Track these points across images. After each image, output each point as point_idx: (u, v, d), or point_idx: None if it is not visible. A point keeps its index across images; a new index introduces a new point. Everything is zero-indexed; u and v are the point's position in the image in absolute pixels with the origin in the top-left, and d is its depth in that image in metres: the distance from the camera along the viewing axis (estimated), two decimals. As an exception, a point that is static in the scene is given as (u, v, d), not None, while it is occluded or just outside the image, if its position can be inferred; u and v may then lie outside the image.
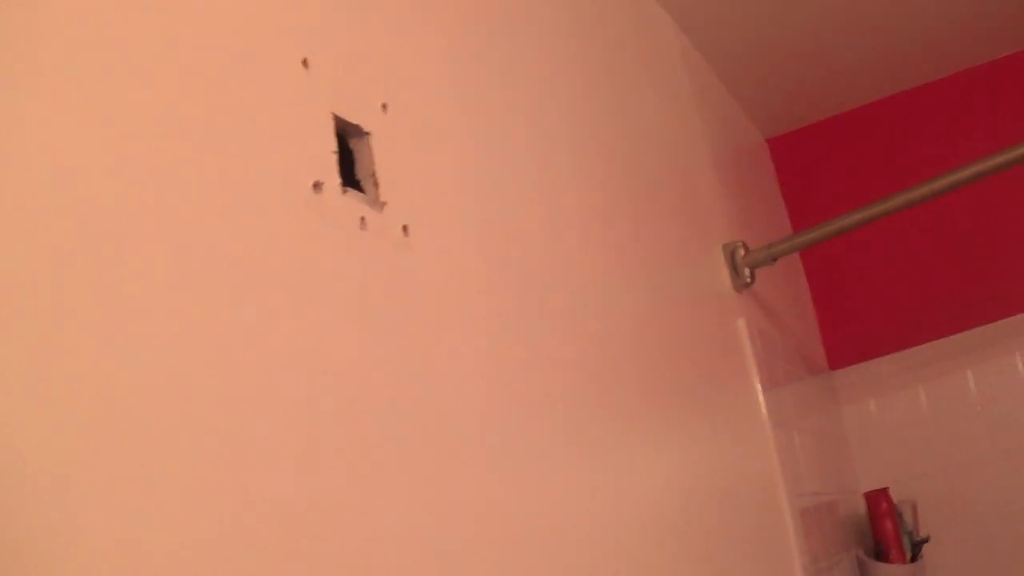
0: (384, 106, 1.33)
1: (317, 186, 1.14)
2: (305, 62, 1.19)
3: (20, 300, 0.75)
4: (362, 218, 1.21)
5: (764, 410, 2.68)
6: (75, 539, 0.73)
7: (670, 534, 1.87)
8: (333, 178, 1.18)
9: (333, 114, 1.22)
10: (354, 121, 1.26)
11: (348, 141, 1.27)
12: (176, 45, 1.00)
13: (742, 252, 2.88)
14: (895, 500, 3.50)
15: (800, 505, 2.72)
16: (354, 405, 1.10)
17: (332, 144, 1.20)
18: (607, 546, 1.59)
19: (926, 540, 3.54)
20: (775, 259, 2.87)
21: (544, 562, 1.40)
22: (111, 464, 0.78)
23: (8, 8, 0.83)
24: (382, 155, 1.29)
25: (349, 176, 1.24)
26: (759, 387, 2.71)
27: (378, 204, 1.26)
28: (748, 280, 2.87)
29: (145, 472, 0.81)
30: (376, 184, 1.26)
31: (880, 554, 3.39)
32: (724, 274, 2.83)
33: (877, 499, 3.45)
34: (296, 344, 1.04)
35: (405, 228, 1.30)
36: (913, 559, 3.45)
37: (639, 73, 2.64)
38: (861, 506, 3.57)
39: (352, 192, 1.22)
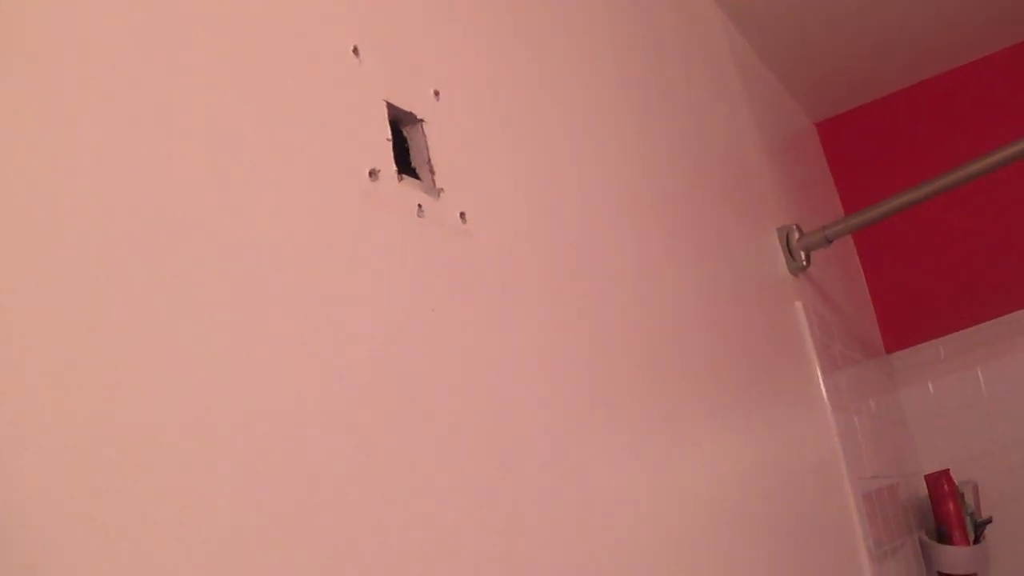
0: (436, 93, 1.33)
1: (373, 174, 1.14)
2: (355, 50, 1.19)
3: (83, 290, 0.77)
4: (419, 205, 1.21)
5: (824, 394, 2.67)
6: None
7: (733, 520, 1.85)
8: (389, 166, 1.18)
9: (386, 102, 1.22)
10: (407, 108, 1.26)
11: (402, 129, 1.27)
12: (227, 37, 1.00)
13: (796, 235, 2.86)
14: (956, 481, 3.47)
15: (863, 488, 2.70)
16: (411, 394, 1.09)
17: (386, 132, 1.20)
18: (670, 533, 1.59)
19: (989, 521, 3.50)
20: (830, 241, 2.85)
21: (607, 549, 1.40)
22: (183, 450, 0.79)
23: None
24: (436, 142, 1.29)
25: (404, 164, 1.24)
26: (819, 371, 2.69)
27: (435, 191, 1.25)
28: (804, 263, 2.85)
29: (212, 456, 0.83)
30: (432, 171, 1.26)
31: (943, 536, 3.37)
32: (779, 258, 2.81)
33: (938, 481, 3.42)
34: (354, 333, 1.03)
35: (463, 215, 1.29)
36: (976, 540, 3.42)
37: (687, 61, 2.63)
38: (922, 488, 3.54)
39: (408, 179, 1.22)
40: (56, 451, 0.68)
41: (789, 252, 2.84)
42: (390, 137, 1.20)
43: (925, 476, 3.50)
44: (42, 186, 0.75)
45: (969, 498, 3.53)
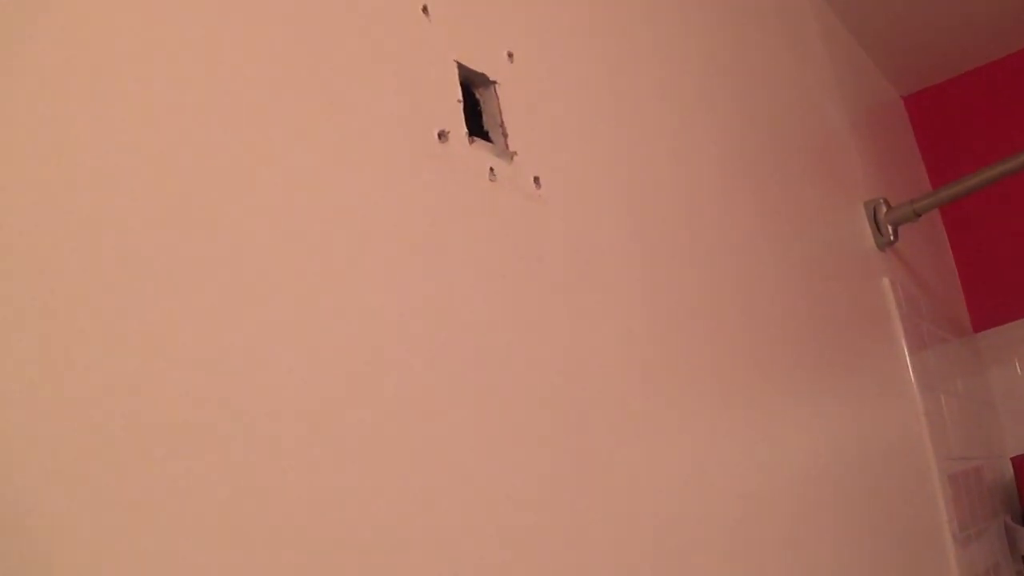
0: (510, 55, 1.30)
1: (442, 135, 1.12)
2: (425, 9, 1.17)
3: (161, 243, 0.77)
4: (491, 169, 1.19)
5: (911, 372, 2.61)
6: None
7: (819, 497, 1.82)
8: (459, 127, 1.16)
9: (457, 62, 1.19)
10: (479, 70, 1.23)
11: (474, 91, 1.24)
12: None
13: (884, 209, 2.80)
14: (1044, 464, 3.41)
15: (948, 470, 2.64)
16: (484, 364, 1.07)
17: (457, 93, 1.18)
18: (757, 510, 1.56)
19: (1077, 506, 3.44)
20: (918, 215, 2.79)
21: (694, 526, 1.37)
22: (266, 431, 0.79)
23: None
24: (510, 105, 1.26)
25: (476, 126, 1.21)
26: (906, 349, 2.63)
27: (507, 154, 1.22)
28: (891, 238, 2.79)
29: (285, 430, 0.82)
30: (504, 134, 1.23)
31: (1030, 520, 3.31)
32: (867, 232, 2.75)
33: (1025, 464, 3.37)
34: (423, 299, 1.02)
35: (536, 180, 1.26)
36: (1064, 525, 3.36)
37: (773, 32, 2.59)
38: (1008, 471, 3.48)
39: (480, 142, 1.19)
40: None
41: (876, 226, 2.78)
42: (461, 99, 1.17)
43: (1011, 458, 3.44)
44: (94, 139, 0.74)
45: (1057, 483, 3.47)
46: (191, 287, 0.76)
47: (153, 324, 0.72)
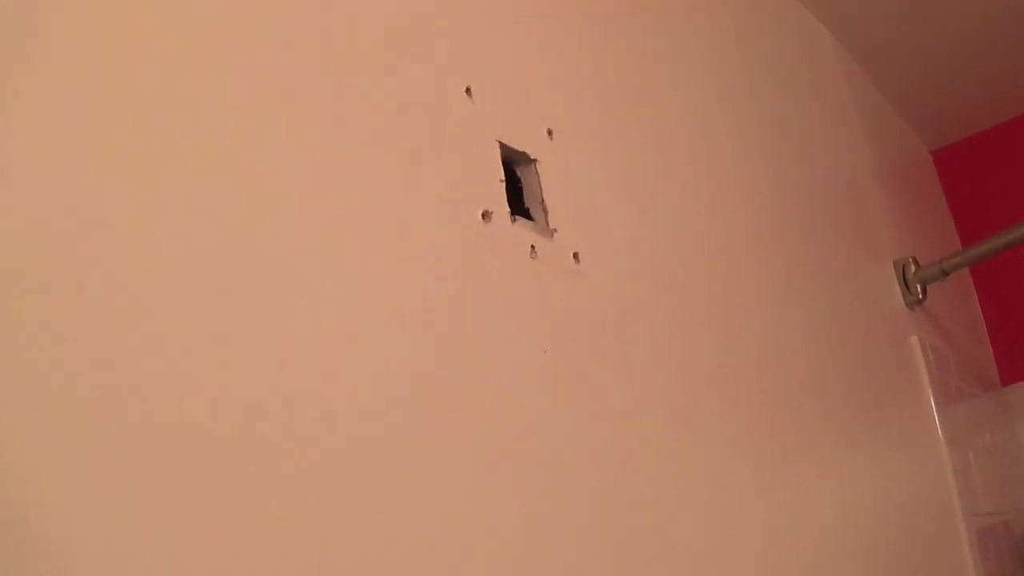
0: (550, 132, 1.33)
1: (486, 215, 1.15)
2: (468, 90, 1.20)
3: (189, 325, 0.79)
4: (532, 246, 1.22)
5: (939, 428, 2.62)
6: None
7: (845, 556, 1.84)
8: (502, 207, 1.19)
9: (499, 142, 1.23)
10: (520, 148, 1.26)
11: (515, 168, 1.27)
12: (344, 78, 1.01)
13: (913, 268, 2.82)
14: (1072, 519, 3.41)
15: (976, 525, 2.65)
16: (526, 434, 1.10)
17: (499, 172, 1.21)
18: (781, 570, 1.57)
19: (1105, 560, 3.44)
20: (947, 274, 2.81)
21: None
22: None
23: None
24: (550, 182, 1.30)
25: (518, 204, 1.25)
26: (933, 405, 2.65)
27: (548, 231, 1.26)
28: (920, 296, 2.81)
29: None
30: (545, 211, 1.26)
31: (1057, 575, 3.31)
32: (895, 291, 2.77)
33: (1053, 517, 3.37)
34: (468, 374, 1.05)
35: (576, 255, 1.30)
36: (1092, 579, 3.36)
37: (803, 90, 2.62)
38: (1037, 525, 3.48)
39: (521, 220, 1.22)
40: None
41: (905, 285, 2.80)
42: (503, 178, 1.20)
43: (1040, 512, 3.44)
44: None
45: (1085, 535, 3.47)
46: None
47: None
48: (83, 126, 0.74)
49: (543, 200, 1.26)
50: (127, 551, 0.68)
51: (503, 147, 1.23)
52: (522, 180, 1.27)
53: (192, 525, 0.72)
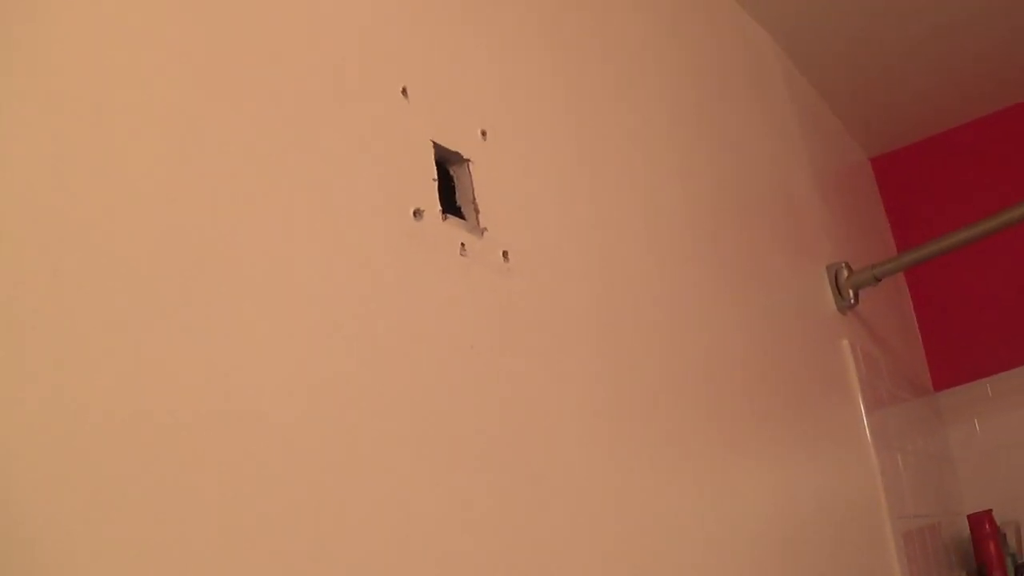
0: (484, 133, 1.35)
1: (418, 213, 1.17)
2: (404, 91, 1.21)
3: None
4: (462, 244, 1.23)
5: (868, 432, 2.66)
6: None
7: (773, 554, 1.87)
8: (433, 205, 1.20)
9: (433, 142, 1.24)
10: (454, 148, 1.28)
11: (448, 168, 1.29)
12: (277, 75, 1.02)
13: (846, 273, 2.86)
14: (999, 522, 3.45)
15: (903, 528, 2.69)
16: (455, 430, 1.12)
17: (432, 171, 1.22)
18: (710, 566, 1.60)
19: (1030, 563, 3.49)
20: (879, 279, 2.85)
21: (648, 573, 1.41)
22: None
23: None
24: (482, 182, 1.31)
25: (450, 203, 1.26)
26: (863, 408, 2.69)
27: (478, 230, 1.27)
28: (852, 301, 2.85)
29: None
30: (476, 211, 1.28)
31: (983, 576, 3.36)
32: (828, 295, 2.81)
33: (980, 521, 3.41)
34: (398, 369, 1.06)
35: (505, 254, 1.31)
36: (1017, 582, 3.41)
37: (742, 93, 2.64)
38: (964, 528, 3.52)
39: (452, 219, 1.24)
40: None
41: (838, 290, 2.84)
42: (436, 177, 1.22)
43: (968, 516, 3.48)
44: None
45: (1011, 539, 3.52)
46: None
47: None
48: None
49: (475, 200, 1.28)
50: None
51: (437, 147, 1.24)
52: (455, 180, 1.28)
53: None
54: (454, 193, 1.28)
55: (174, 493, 0.76)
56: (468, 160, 1.29)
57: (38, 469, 0.66)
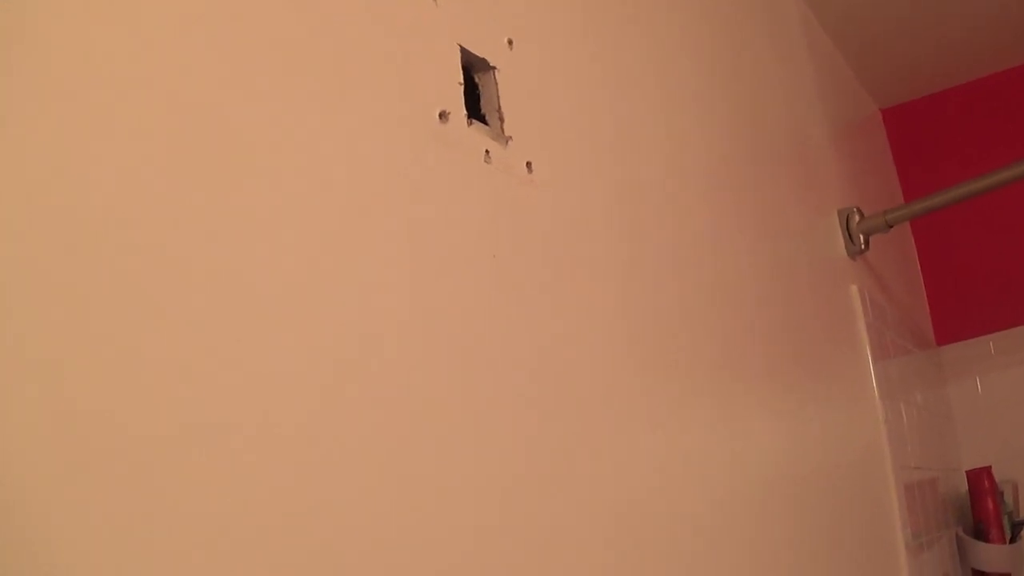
0: (510, 42, 1.33)
1: (443, 116, 1.15)
2: (433, -7, 1.19)
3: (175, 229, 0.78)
4: (487, 151, 1.21)
5: (874, 380, 2.65)
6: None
7: (779, 496, 1.86)
8: (459, 109, 1.19)
9: (460, 46, 1.22)
10: (480, 55, 1.26)
11: (474, 75, 1.27)
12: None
13: (857, 218, 2.84)
14: (997, 480, 3.44)
15: (904, 478, 2.68)
16: (474, 343, 1.10)
17: (458, 76, 1.20)
18: (719, 506, 1.59)
19: (1027, 521, 3.49)
20: (890, 226, 2.83)
21: (656, 518, 1.41)
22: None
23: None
24: (507, 90, 1.29)
25: (474, 109, 1.24)
26: (870, 356, 2.68)
27: (503, 138, 1.25)
28: (862, 247, 2.83)
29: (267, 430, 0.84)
30: (501, 119, 1.26)
31: (979, 533, 3.35)
32: (838, 239, 2.79)
33: (979, 477, 3.40)
34: (416, 277, 1.04)
35: (529, 164, 1.30)
36: (1012, 540, 3.40)
37: (760, 39, 2.62)
38: (962, 484, 3.52)
39: (477, 124, 1.22)
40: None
41: (848, 235, 2.82)
42: (462, 81, 1.20)
43: (966, 472, 3.48)
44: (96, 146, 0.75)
45: (1008, 497, 3.52)
46: (188, 284, 0.78)
47: (151, 327, 0.74)
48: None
49: (500, 108, 1.26)
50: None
51: (464, 52, 1.22)
52: (480, 87, 1.27)
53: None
54: (479, 101, 1.26)
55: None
56: (494, 68, 1.27)
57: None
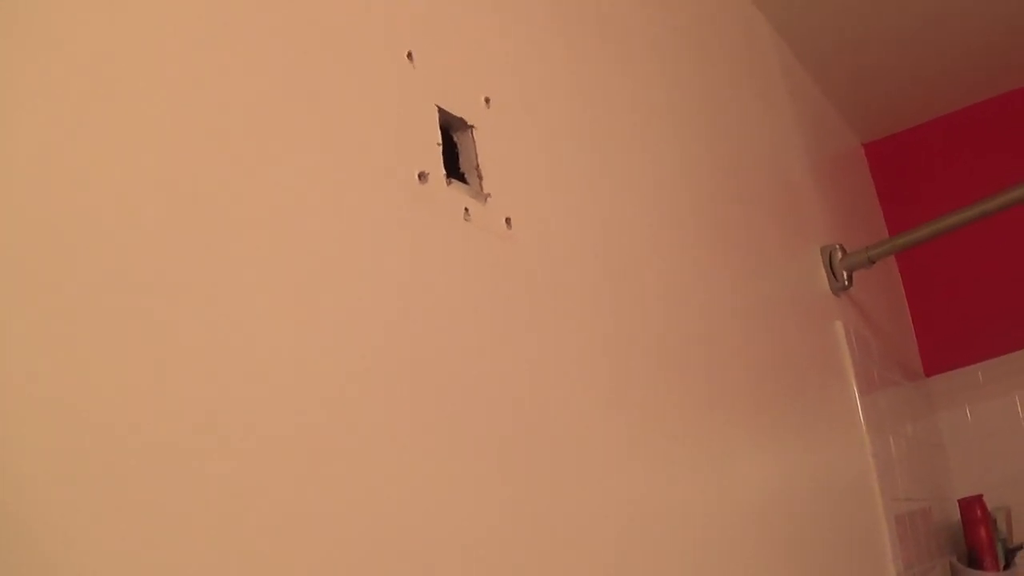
0: (487, 100, 1.35)
1: (422, 177, 1.17)
2: (410, 55, 1.22)
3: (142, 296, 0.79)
4: (466, 209, 1.24)
5: (861, 414, 2.67)
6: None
7: (768, 534, 1.87)
8: (438, 169, 1.21)
9: (437, 106, 1.24)
10: (458, 114, 1.28)
11: (452, 134, 1.29)
12: (284, 39, 1.02)
13: (839, 255, 2.86)
14: (989, 507, 3.46)
15: (895, 510, 2.70)
16: (456, 396, 1.12)
17: (437, 136, 1.22)
18: (707, 542, 1.60)
19: (1020, 547, 3.49)
20: (873, 261, 2.86)
21: (648, 557, 1.41)
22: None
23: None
24: (485, 148, 1.31)
25: (453, 168, 1.26)
26: (856, 391, 2.69)
27: (482, 196, 1.28)
28: (846, 283, 2.85)
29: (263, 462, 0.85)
30: (480, 176, 1.28)
31: (973, 561, 3.36)
32: (822, 276, 2.82)
33: (971, 506, 3.41)
34: (399, 332, 1.06)
35: (508, 220, 1.31)
36: (1007, 566, 3.41)
37: (740, 77, 2.64)
38: (955, 513, 3.53)
39: (456, 184, 1.24)
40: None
41: (831, 271, 2.84)
42: (440, 141, 1.22)
43: (958, 500, 3.49)
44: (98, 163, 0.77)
45: (1002, 524, 3.52)
46: (189, 301, 0.81)
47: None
48: None
49: (478, 166, 1.28)
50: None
51: (441, 112, 1.24)
52: (459, 145, 1.29)
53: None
54: (457, 159, 1.28)
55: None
56: (472, 126, 1.29)
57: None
